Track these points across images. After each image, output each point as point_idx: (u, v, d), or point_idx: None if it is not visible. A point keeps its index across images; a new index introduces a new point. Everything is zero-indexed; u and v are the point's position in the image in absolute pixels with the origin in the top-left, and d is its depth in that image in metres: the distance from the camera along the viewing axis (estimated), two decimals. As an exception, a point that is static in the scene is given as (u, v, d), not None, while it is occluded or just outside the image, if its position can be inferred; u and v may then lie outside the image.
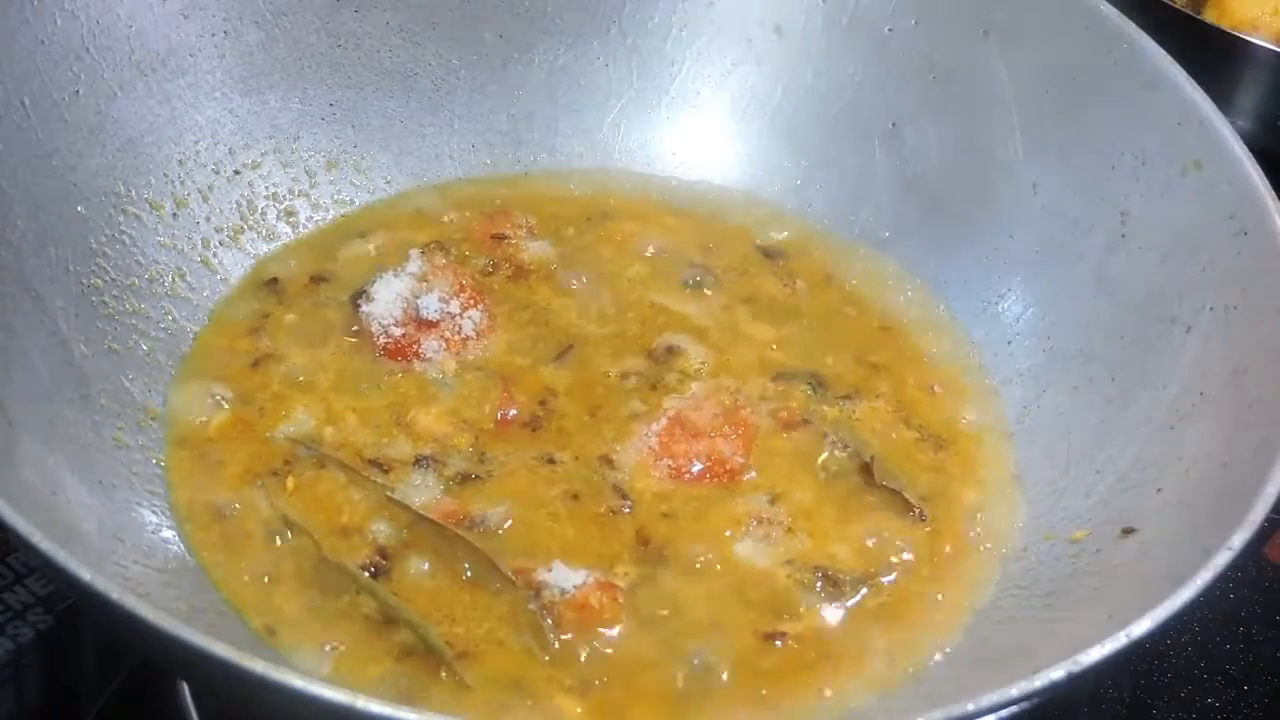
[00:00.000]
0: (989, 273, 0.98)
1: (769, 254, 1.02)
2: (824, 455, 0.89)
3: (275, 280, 0.96)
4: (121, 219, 0.91)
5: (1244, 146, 0.87)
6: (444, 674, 0.75)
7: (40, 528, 0.63)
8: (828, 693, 0.77)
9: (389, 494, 0.83)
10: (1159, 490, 0.80)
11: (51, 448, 0.77)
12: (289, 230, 0.99)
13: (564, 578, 0.78)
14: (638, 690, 0.76)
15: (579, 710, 0.75)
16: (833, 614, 0.81)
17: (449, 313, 0.92)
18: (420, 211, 1.02)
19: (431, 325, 0.91)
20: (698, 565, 0.82)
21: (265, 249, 0.98)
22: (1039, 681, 0.63)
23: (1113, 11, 0.94)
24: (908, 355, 0.97)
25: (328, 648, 0.76)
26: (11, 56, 0.84)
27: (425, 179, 1.04)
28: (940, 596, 0.83)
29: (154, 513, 0.81)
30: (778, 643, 0.79)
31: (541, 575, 0.79)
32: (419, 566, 0.80)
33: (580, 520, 0.83)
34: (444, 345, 0.91)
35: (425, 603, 0.78)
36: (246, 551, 0.80)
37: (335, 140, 1.02)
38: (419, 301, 0.91)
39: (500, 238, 0.99)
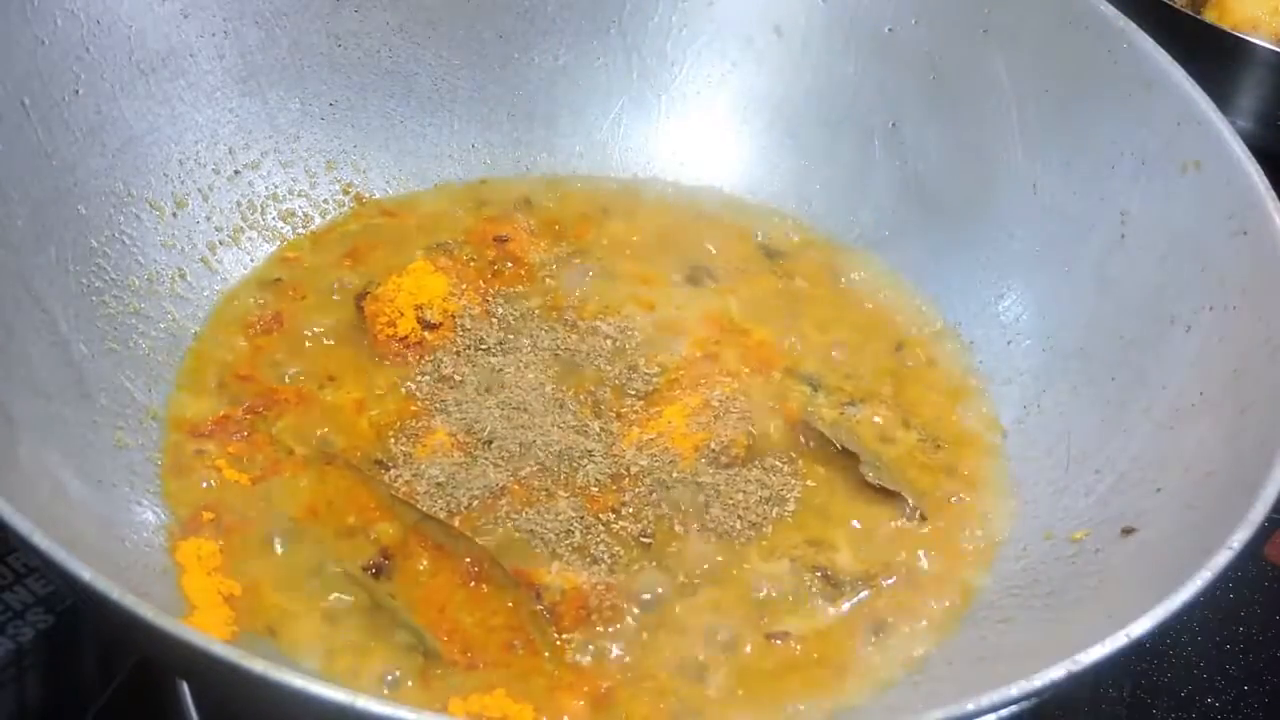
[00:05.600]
0: (989, 273, 0.98)
1: (769, 253, 1.02)
2: (824, 456, 0.89)
3: (276, 280, 0.96)
4: (121, 219, 0.91)
5: (1244, 146, 0.87)
6: (444, 674, 0.75)
7: (40, 528, 0.63)
8: (828, 692, 0.77)
9: (394, 493, 0.83)
10: (1159, 490, 0.80)
11: (51, 448, 0.77)
12: (289, 230, 0.99)
13: (566, 576, 0.78)
14: (639, 688, 0.76)
15: (581, 709, 0.75)
16: (833, 614, 0.81)
17: (452, 313, 0.92)
18: (421, 212, 1.02)
19: (434, 326, 0.91)
20: (699, 564, 0.82)
21: (265, 249, 0.98)
22: (1039, 681, 0.63)
23: (1113, 11, 0.94)
24: (907, 355, 0.97)
25: (328, 648, 0.76)
26: (11, 56, 0.84)
27: (425, 179, 1.04)
28: (940, 596, 0.83)
29: (154, 513, 0.81)
30: (778, 642, 0.79)
31: (544, 574, 0.79)
32: (422, 565, 0.80)
33: (583, 518, 0.83)
34: (447, 345, 0.91)
35: (428, 601, 0.78)
36: (248, 551, 0.80)
37: (335, 140, 1.02)
38: (422, 303, 0.91)
39: (502, 239, 0.99)
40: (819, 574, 0.82)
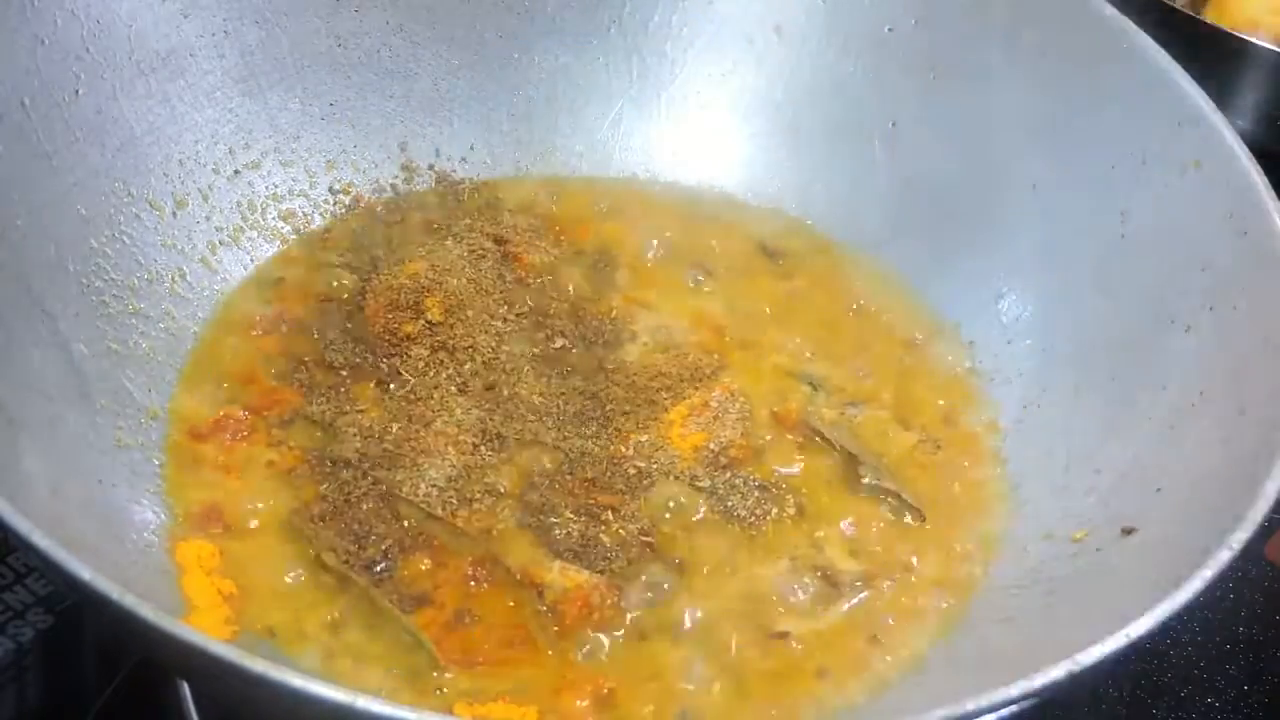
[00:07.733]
0: (989, 273, 0.98)
1: (769, 253, 1.02)
2: (824, 456, 0.89)
3: (276, 280, 0.96)
4: (121, 219, 0.91)
5: (1244, 146, 0.87)
6: (444, 673, 0.75)
7: (40, 528, 0.63)
8: (828, 692, 0.77)
9: (397, 492, 0.83)
10: (1159, 490, 0.80)
11: (51, 447, 0.77)
12: (289, 230, 0.99)
13: (567, 575, 0.78)
14: (640, 688, 0.76)
15: (582, 708, 0.75)
16: (833, 614, 0.81)
17: (453, 314, 0.92)
18: (422, 212, 1.02)
19: (435, 325, 0.91)
20: (699, 563, 0.82)
21: (266, 249, 0.98)
22: (1039, 681, 0.63)
23: (1113, 11, 0.94)
24: (907, 356, 0.97)
25: (328, 648, 0.76)
26: (11, 56, 0.84)
27: (426, 179, 1.04)
28: (939, 596, 0.83)
29: (154, 513, 0.81)
30: (779, 642, 0.79)
31: (545, 573, 0.79)
32: (424, 565, 0.80)
33: (583, 518, 0.83)
34: (447, 345, 0.91)
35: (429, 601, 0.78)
36: (247, 551, 0.80)
37: (335, 140, 1.02)
38: (422, 302, 0.91)
39: (502, 240, 0.99)
40: (819, 574, 0.82)
